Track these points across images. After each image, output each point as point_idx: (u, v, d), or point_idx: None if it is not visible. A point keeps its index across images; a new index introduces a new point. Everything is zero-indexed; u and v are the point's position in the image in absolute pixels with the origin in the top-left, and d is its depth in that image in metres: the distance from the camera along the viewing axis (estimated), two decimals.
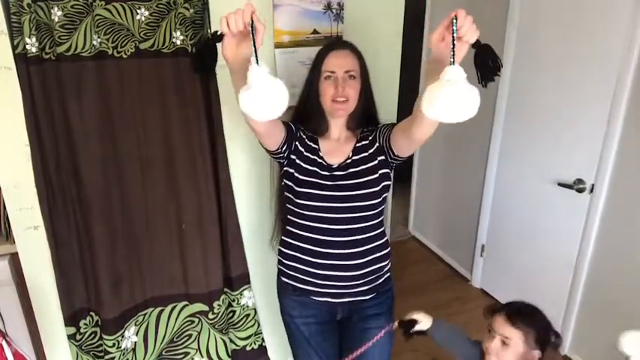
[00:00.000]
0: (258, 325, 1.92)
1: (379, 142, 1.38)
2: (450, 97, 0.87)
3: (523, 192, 2.46)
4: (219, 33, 0.97)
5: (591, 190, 2.05)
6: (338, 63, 1.33)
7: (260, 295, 1.92)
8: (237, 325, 1.88)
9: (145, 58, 1.47)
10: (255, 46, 0.94)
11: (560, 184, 2.17)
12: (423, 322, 1.39)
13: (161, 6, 1.44)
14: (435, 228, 3.39)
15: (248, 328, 1.89)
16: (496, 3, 2.46)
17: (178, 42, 1.49)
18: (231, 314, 1.86)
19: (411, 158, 3.49)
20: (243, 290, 1.84)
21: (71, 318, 1.62)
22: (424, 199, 3.48)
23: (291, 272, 1.46)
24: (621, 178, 1.93)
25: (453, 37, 0.90)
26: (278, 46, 1.62)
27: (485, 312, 1.32)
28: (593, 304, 2.14)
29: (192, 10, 1.47)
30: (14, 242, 1.54)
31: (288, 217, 1.44)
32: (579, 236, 2.14)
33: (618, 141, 1.92)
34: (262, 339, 1.95)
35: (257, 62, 0.94)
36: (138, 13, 1.43)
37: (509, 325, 1.22)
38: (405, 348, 2.34)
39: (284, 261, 1.48)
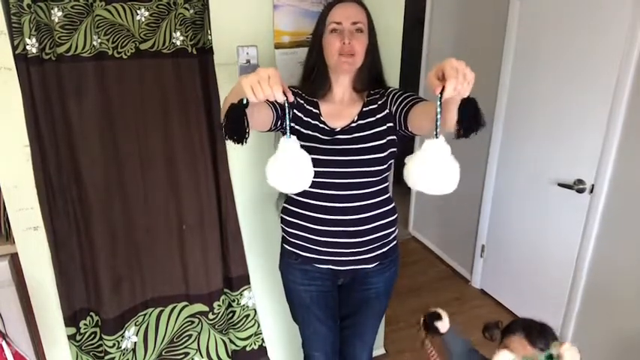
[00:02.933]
0: (258, 325, 1.92)
1: (390, 109, 1.32)
2: (424, 172, 0.88)
3: (523, 192, 2.46)
4: (245, 102, 0.98)
5: (591, 191, 2.05)
6: (345, 14, 1.27)
7: (260, 295, 1.92)
8: (237, 326, 1.88)
9: (145, 59, 1.47)
10: (289, 120, 1.00)
11: (560, 185, 2.17)
12: (445, 322, 1.37)
13: (161, 6, 1.44)
14: (435, 228, 3.39)
15: (248, 328, 1.89)
16: (496, 5, 2.46)
17: (178, 42, 1.49)
18: (231, 314, 1.86)
19: None
20: (243, 290, 1.84)
21: (71, 318, 1.62)
22: (424, 200, 3.48)
23: (293, 240, 1.44)
24: (621, 179, 1.93)
25: (438, 112, 0.88)
26: (278, 46, 1.62)
27: (492, 329, 1.30)
28: (593, 304, 2.14)
29: (192, 11, 1.47)
30: (14, 242, 1.54)
31: None
32: (579, 236, 2.14)
33: (618, 141, 1.92)
34: (262, 339, 1.95)
35: (289, 135, 0.99)
36: (138, 14, 1.43)
37: (530, 346, 1.19)
38: (405, 347, 2.35)
39: (286, 228, 1.46)
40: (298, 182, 1.03)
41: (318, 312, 1.52)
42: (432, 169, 0.89)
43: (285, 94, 0.96)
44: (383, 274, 1.48)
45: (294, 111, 1.36)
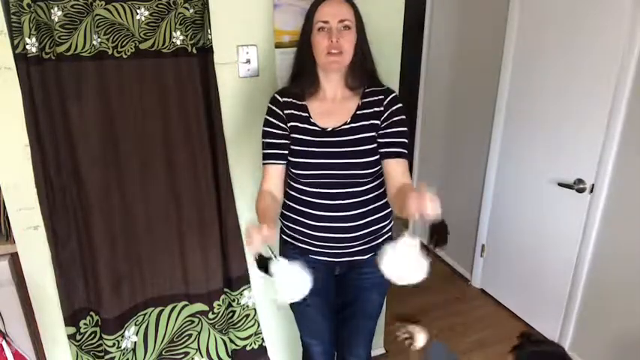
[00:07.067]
0: (258, 325, 1.92)
1: (380, 128, 1.33)
2: (396, 264, 1.07)
3: (523, 192, 2.46)
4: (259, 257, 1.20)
5: (591, 190, 2.05)
6: (331, 12, 1.27)
7: (260, 295, 1.91)
8: (237, 325, 1.88)
9: (145, 58, 1.47)
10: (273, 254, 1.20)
11: (560, 184, 2.17)
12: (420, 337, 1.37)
13: (161, 6, 1.44)
14: None
15: (248, 328, 1.90)
16: (496, 5, 2.46)
17: (178, 42, 1.49)
18: (231, 314, 1.86)
19: (410, 158, 3.49)
20: (243, 290, 1.84)
21: (71, 318, 1.62)
22: None
23: (290, 232, 1.47)
24: (621, 178, 1.93)
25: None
26: (278, 45, 1.62)
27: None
28: (593, 304, 2.14)
29: (192, 10, 1.47)
30: (14, 242, 1.54)
31: (287, 180, 1.44)
32: (579, 236, 2.14)
33: (618, 141, 1.92)
34: (262, 339, 1.95)
35: (277, 258, 1.19)
36: (138, 13, 1.43)
37: None
38: (404, 348, 2.34)
39: (284, 221, 1.49)
40: (298, 293, 1.20)
41: (312, 299, 1.52)
42: (408, 262, 1.09)
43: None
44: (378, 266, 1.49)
45: (290, 124, 1.38)
